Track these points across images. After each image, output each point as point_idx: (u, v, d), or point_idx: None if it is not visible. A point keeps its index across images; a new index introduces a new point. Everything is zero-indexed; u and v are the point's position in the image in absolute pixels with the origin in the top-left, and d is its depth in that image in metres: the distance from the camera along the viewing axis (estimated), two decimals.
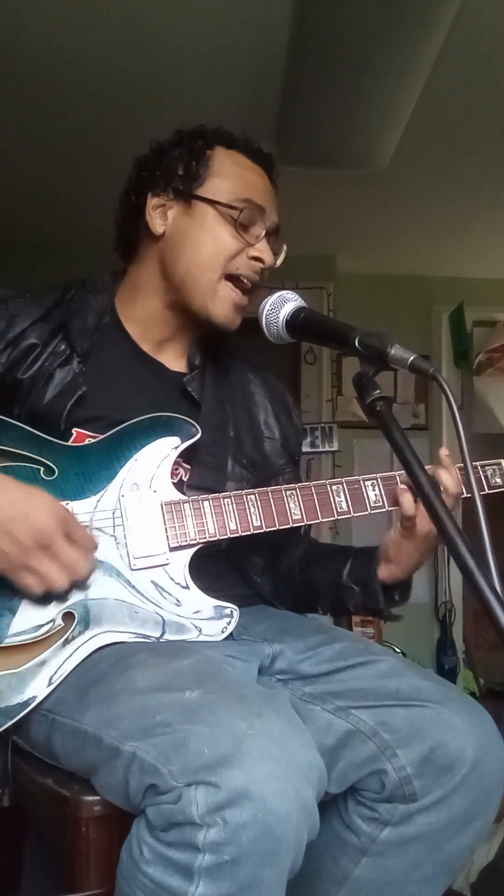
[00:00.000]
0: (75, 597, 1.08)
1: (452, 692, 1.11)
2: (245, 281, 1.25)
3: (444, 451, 1.20)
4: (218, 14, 2.00)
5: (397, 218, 3.37)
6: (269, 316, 1.16)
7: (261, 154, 1.30)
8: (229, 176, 1.25)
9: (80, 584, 1.07)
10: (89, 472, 1.14)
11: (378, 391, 0.94)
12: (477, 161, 2.82)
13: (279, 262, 1.30)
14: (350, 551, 1.29)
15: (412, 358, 0.94)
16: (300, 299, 1.16)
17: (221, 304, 1.25)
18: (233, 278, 1.25)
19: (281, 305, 1.15)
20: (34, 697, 1.03)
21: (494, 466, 1.28)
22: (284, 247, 1.31)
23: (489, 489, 1.26)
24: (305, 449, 3.20)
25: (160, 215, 1.26)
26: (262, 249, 1.25)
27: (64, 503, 1.09)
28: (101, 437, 1.16)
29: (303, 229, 3.44)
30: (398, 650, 3.19)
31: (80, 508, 1.11)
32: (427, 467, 1.20)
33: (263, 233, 1.25)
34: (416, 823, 1.03)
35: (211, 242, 1.23)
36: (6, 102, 2.44)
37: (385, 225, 3.46)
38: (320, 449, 3.21)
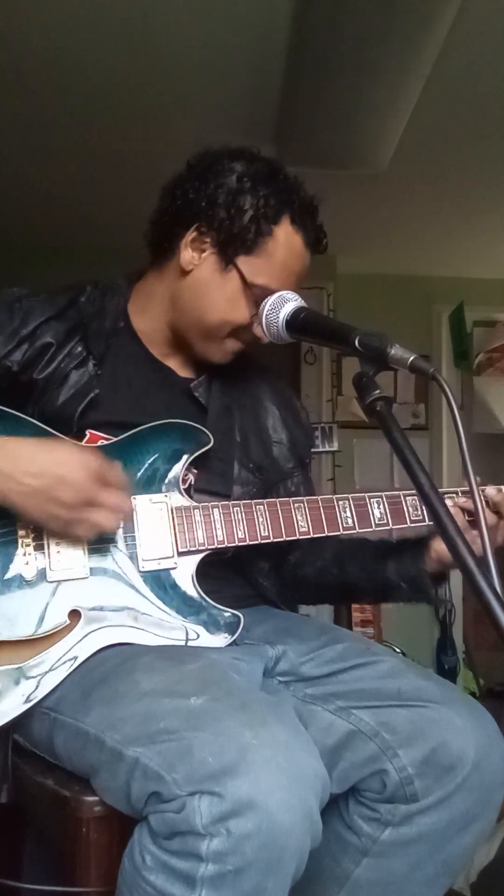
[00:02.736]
0: (83, 595, 1.08)
1: (453, 692, 1.11)
2: (242, 343, 1.27)
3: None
4: (218, 15, 2.00)
5: (397, 218, 3.37)
6: (269, 316, 1.16)
7: (317, 236, 1.26)
8: (277, 264, 1.21)
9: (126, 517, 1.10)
10: None
11: (378, 391, 0.94)
12: (476, 161, 2.82)
13: None
14: (390, 546, 1.29)
15: (412, 358, 0.94)
16: (300, 299, 1.16)
17: (222, 352, 1.28)
18: (235, 338, 1.26)
19: (281, 305, 1.15)
20: (36, 694, 1.03)
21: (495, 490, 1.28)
22: None
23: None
24: None
25: (195, 250, 1.23)
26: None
27: None
28: (115, 439, 1.17)
29: None
30: (398, 650, 3.19)
31: None
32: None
33: None
34: (418, 824, 1.03)
35: (227, 310, 1.22)
36: (7, 104, 2.44)
37: (385, 225, 3.46)
38: (320, 449, 3.21)
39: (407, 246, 3.72)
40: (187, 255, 1.23)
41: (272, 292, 1.19)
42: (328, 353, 3.80)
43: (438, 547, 1.22)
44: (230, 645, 1.12)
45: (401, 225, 3.46)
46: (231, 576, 1.27)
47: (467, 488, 1.22)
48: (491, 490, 1.22)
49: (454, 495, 1.26)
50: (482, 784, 1.02)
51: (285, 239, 1.22)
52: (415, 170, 2.86)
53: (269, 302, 1.16)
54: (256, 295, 1.20)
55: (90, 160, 2.75)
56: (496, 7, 1.96)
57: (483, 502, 1.17)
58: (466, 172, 2.91)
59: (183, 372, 1.32)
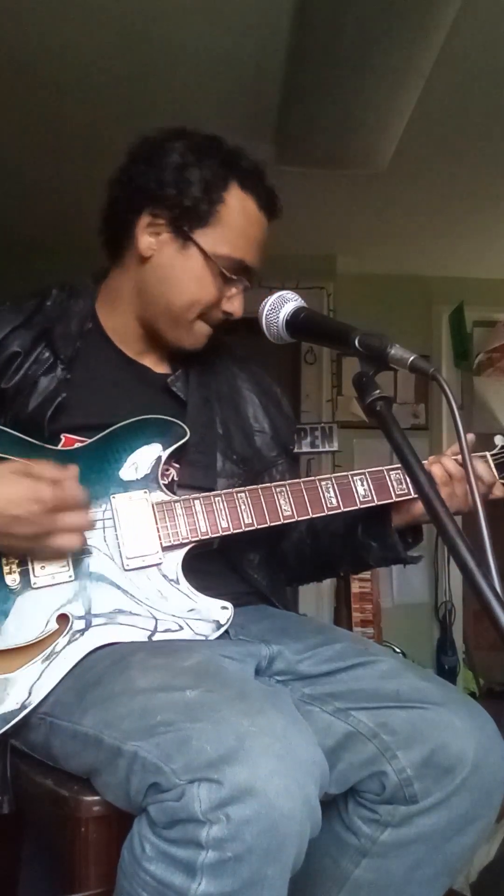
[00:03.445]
0: (69, 598, 1.08)
1: (453, 693, 1.11)
2: (214, 325, 1.28)
3: (471, 437, 1.23)
4: (218, 14, 2.00)
5: (397, 218, 3.37)
6: (269, 316, 1.16)
7: (269, 198, 1.26)
8: (233, 230, 1.22)
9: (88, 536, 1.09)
10: (79, 475, 1.13)
11: (378, 391, 0.94)
12: (477, 161, 2.82)
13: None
14: (361, 510, 1.28)
15: (412, 358, 0.94)
16: (300, 299, 1.16)
17: (194, 337, 1.28)
18: (205, 319, 1.27)
19: (281, 305, 1.15)
20: (30, 701, 1.03)
21: (481, 458, 1.30)
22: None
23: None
24: (305, 449, 3.20)
25: (152, 235, 1.23)
26: (235, 304, 1.25)
27: None
28: (90, 440, 1.17)
29: (303, 229, 3.44)
30: (398, 650, 3.19)
31: None
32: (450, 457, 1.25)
33: (242, 287, 1.26)
34: (417, 825, 1.03)
35: (195, 289, 1.23)
36: (7, 104, 2.44)
37: (385, 225, 3.46)
38: (320, 449, 3.21)
39: (407, 246, 3.72)
40: (144, 240, 1.23)
41: (236, 262, 1.21)
42: (328, 353, 3.80)
43: (405, 503, 1.23)
44: (223, 640, 1.12)
45: (401, 225, 3.45)
46: (224, 572, 1.27)
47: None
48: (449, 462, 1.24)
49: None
50: (481, 785, 1.02)
51: (238, 203, 1.22)
52: (415, 170, 2.85)
53: (269, 302, 1.16)
54: (222, 267, 1.21)
55: (90, 159, 2.74)
56: (496, 7, 1.95)
57: (482, 500, 1.17)
58: (466, 172, 2.91)
59: (159, 368, 1.32)
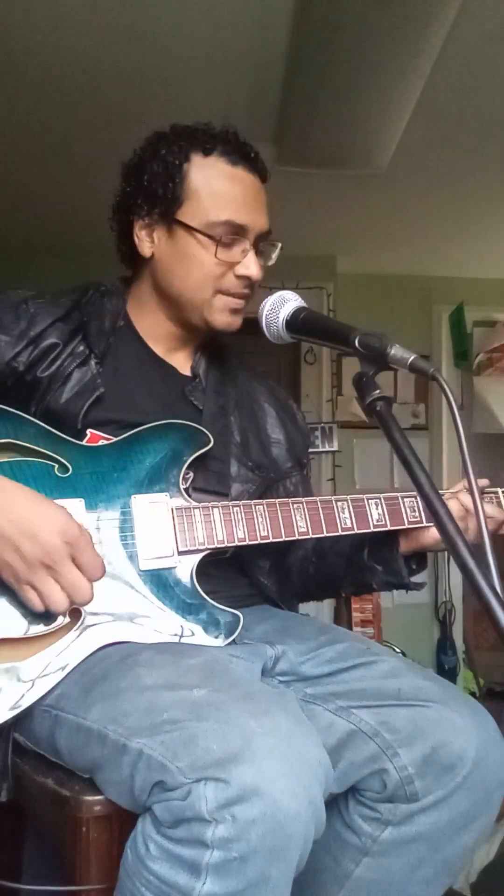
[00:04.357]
0: None
1: (454, 692, 1.11)
2: (236, 296, 1.26)
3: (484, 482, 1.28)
4: (218, 14, 2.00)
5: (397, 218, 3.37)
6: (269, 316, 1.16)
7: (242, 153, 1.25)
8: (206, 196, 1.22)
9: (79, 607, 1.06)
10: (102, 472, 1.14)
11: (378, 391, 0.94)
12: (477, 161, 2.82)
13: (271, 262, 1.30)
14: (364, 534, 1.29)
15: (412, 358, 0.94)
16: (300, 299, 1.16)
17: (219, 313, 1.27)
18: (224, 292, 1.26)
19: (281, 305, 1.15)
20: (36, 691, 1.03)
21: (491, 495, 1.31)
22: (278, 247, 1.30)
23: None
24: None
25: (147, 236, 1.27)
26: (247, 265, 1.24)
27: (77, 501, 1.10)
28: (116, 439, 1.18)
29: (303, 229, 3.45)
30: (398, 650, 3.19)
31: (91, 507, 1.12)
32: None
33: (249, 247, 1.24)
34: (418, 823, 1.03)
35: (196, 268, 1.23)
36: (6, 105, 2.44)
37: (385, 225, 3.47)
38: (320, 449, 3.21)
39: (407, 246, 3.72)
40: (144, 244, 1.27)
41: (221, 224, 1.21)
42: (328, 353, 3.80)
43: (413, 530, 1.24)
44: (229, 644, 1.12)
45: (401, 225, 3.46)
46: (232, 575, 1.27)
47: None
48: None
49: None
50: (482, 783, 1.03)
51: (203, 171, 1.23)
52: (415, 170, 2.86)
53: (269, 302, 1.16)
54: (214, 236, 1.21)
55: (89, 160, 2.75)
56: (496, 7, 1.96)
57: (482, 502, 1.17)
58: (467, 172, 2.92)
59: (186, 370, 1.33)
